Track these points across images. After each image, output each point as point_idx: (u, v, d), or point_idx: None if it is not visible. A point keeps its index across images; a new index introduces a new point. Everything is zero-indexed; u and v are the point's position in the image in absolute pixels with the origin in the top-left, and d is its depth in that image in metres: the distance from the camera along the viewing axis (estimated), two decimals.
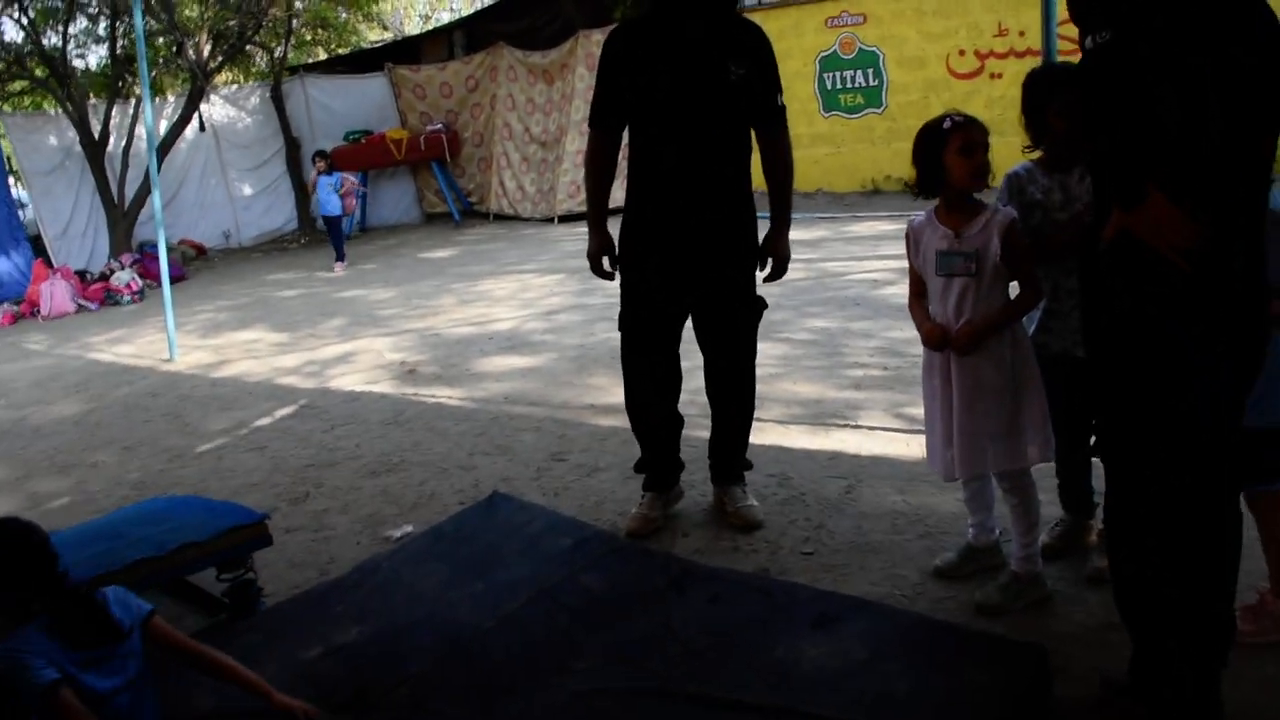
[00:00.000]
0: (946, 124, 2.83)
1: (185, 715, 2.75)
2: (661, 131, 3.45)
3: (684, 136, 3.41)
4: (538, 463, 4.66)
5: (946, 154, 2.81)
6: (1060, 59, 4.00)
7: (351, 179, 12.08)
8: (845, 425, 4.60)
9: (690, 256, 3.49)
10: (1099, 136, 2.14)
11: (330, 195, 11.56)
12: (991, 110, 10.40)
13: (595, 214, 3.70)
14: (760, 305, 3.66)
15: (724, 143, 3.47)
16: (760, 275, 3.64)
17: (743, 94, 3.43)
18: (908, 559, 3.29)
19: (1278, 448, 2.44)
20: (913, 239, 3.00)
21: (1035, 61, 9.65)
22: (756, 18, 12.11)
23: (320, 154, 12.06)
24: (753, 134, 3.60)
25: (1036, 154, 2.96)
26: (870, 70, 11.44)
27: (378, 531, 4.13)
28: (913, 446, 4.12)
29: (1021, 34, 10.24)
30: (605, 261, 3.69)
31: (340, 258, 11.70)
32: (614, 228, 3.68)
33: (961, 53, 10.77)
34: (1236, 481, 2.15)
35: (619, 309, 3.71)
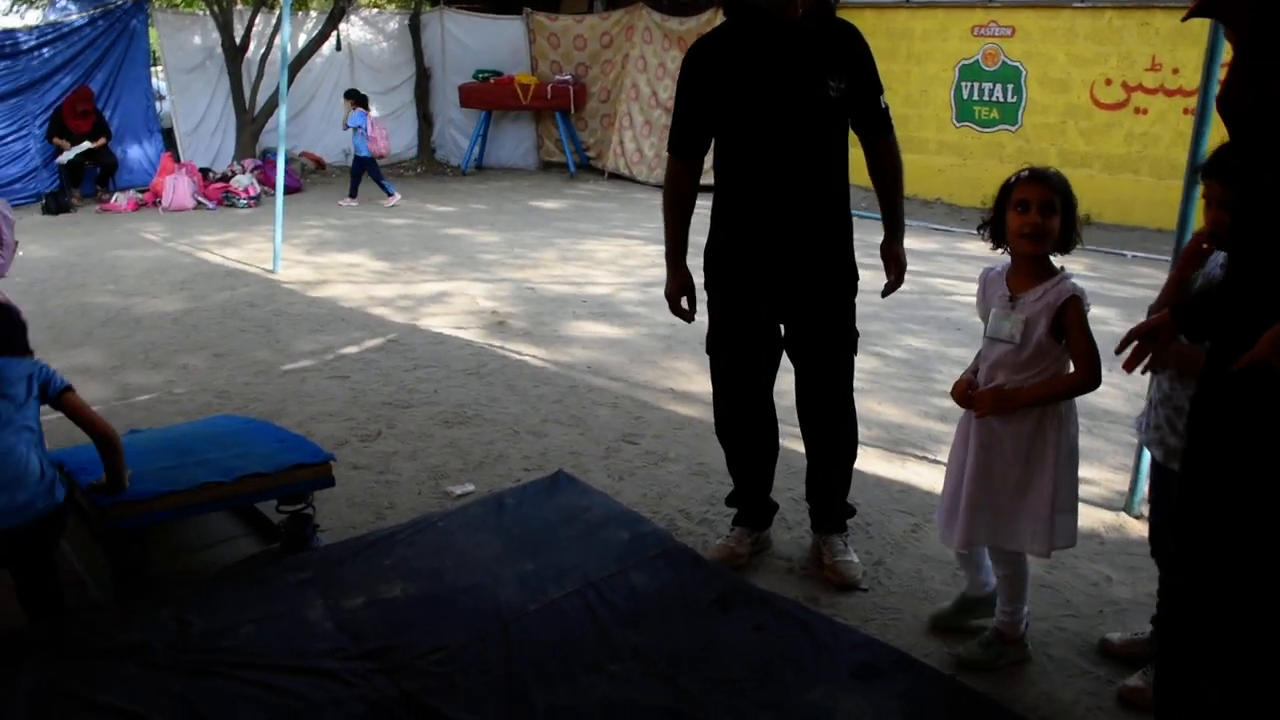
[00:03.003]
0: (1013, 178, 2.70)
1: None
2: (753, 152, 3.18)
3: (779, 155, 3.14)
4: (609, 441, 4.65)
5: (1008, 207, 2.69)
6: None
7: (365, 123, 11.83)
8: (923, 458, 4.49)
9: (785, 278, 3.24)
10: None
11: (357, 137, 11.71)
12: (1130, 146, 10.00)
13: (674, 250, 3.39)
14: (856, 336, 3.40)
15: (822, 159, 3.19)
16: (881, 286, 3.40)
17: (841, 109, 3.18)
18: None
19: None
20: (981, 287, 2.88)
21: (1186, 102, 9.40)
22: (901, 17, 11.88)
23: (351, 94, 12.08)
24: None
25: None
26: (1010, 86, 11.04)
27: (440, 484, 4.16)
28: None
29: (1175, 71, 9.77)
30: (684, 302, 3.43)
31: (389, 192, 11.89)
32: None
33: (1109, 82, 10.30)
34: None
35: (707, 332, 3.47)
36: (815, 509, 3.57)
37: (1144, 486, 3.64)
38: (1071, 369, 2.69)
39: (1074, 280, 2.67)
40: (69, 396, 2.95)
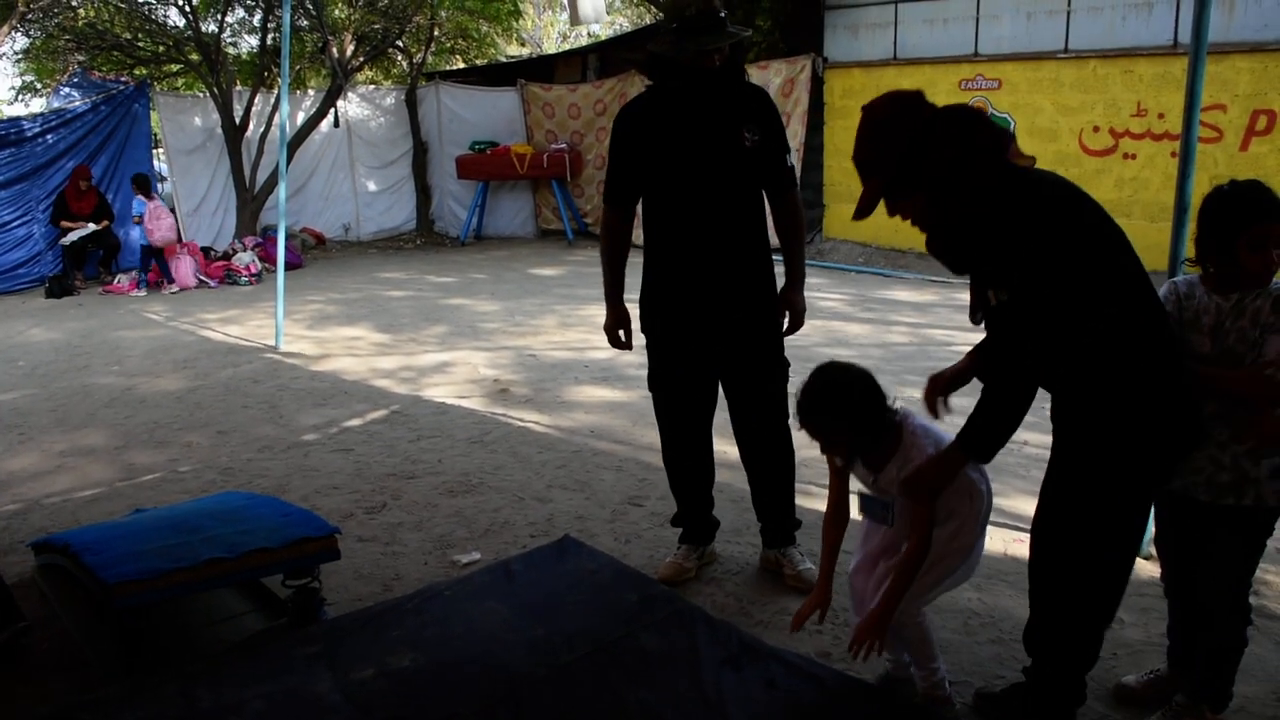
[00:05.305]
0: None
1: None
2: (679, 201, 3.50)
3: (701, 204, 3.45)
4: (614, 504, 4.64)
5: None
6: (1200, 146, 3.80)
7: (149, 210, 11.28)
8: None
9: (712, 320, 3.54)
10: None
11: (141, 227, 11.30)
12: (1121, 191, 10.10)
13: (611, 288, 3.75)
14: (785, 366, 3.66)
15: (740, 208, 3.50)
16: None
17: (756, 159, 3.47)
18: (976, 664, 3.16)
19: None
20: None
21: (1173, 145, 9.47)
22: (889, 74, 12.06)
23: (136, 179, 11.49)
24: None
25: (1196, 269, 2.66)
26: None
27: (446, 554, 4.15)
28: (994, 542, 3.98)
29: (1161, 116, 9.90)
30: (621, 335, 3.78)
31: (171, 280, 11.56)
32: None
33: (1096, 129, 10.44)
34: None
35: (648, 372, 3.78)
36: (766, 525, 3.85)
37: (1153, 528, 3.62)
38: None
39: (919, 432, 2.58)
40: None
